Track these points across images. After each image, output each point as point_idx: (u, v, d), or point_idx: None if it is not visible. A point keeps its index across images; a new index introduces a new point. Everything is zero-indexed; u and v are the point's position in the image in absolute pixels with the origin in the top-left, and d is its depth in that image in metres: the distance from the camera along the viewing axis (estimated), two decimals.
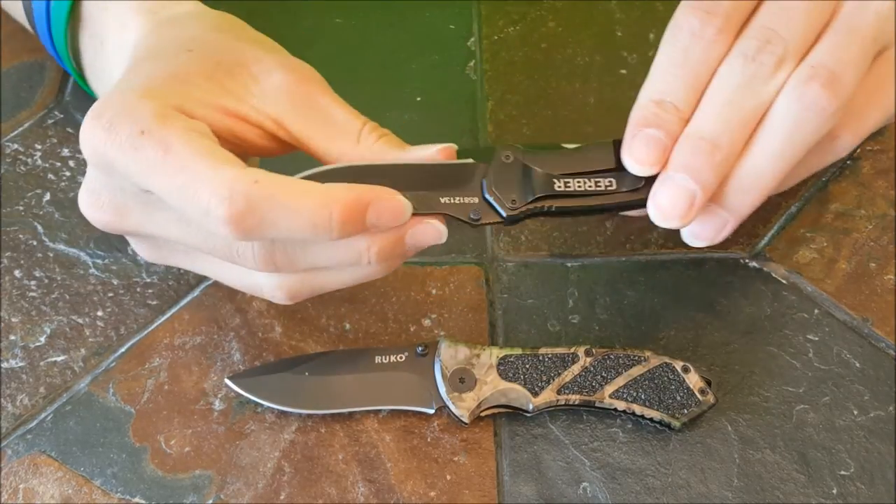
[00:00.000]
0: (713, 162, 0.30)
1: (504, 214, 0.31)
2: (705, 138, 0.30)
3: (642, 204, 0.32)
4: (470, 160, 0.32)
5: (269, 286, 0.32)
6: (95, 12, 0.36)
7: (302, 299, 0.33)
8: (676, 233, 0.41)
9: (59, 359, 0.37)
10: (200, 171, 0.27)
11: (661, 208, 0.31)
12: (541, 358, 0.34)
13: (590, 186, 0.32)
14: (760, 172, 0.31)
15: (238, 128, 0.31)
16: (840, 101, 0.30)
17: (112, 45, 0.36)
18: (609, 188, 0.32)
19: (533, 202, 0.32)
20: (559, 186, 0.32)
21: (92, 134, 0.28)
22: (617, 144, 0.32)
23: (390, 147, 0.32)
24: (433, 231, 0.31)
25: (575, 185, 0.32)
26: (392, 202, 0.29)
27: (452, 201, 0.31)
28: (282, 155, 0.34)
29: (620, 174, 0.32)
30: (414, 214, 0.30)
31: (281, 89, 0.31)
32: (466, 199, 0.32)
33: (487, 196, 0.32)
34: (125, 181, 0.29)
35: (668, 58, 0.31)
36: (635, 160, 0.31)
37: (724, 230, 0.32)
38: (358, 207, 0.28)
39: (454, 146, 0.32)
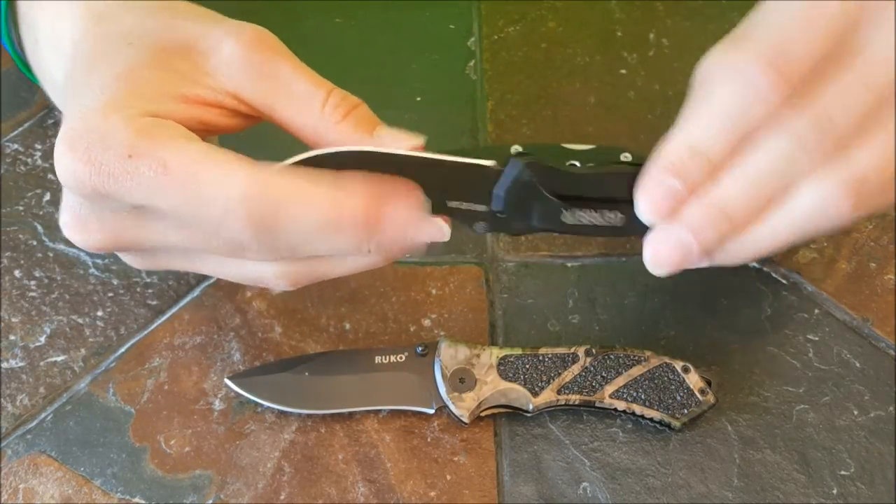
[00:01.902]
0: (722, 231, 0.29)
1: (511, 233, 0.31)
2: (724, 210, 0.29)
3: (638, 234, 0.31)
4: (486, 162, 0.30)
5: (271, 276, 0.31)
6: (26, 7, 0.35)
7: (305, 285, 0.32)
8: None
9: (58, 359, 0.37)
10: (209, 180, 0.26)
11: (657, 256, 0.30)
12: (541, 358, 0.34)
13: (597, 221, 0.31)
14: (758, 245, 0.30)
15: (199, 112, 0.30)
16: (863, 212, 0.29)
17: (45, 38, 0.34)
18: (615, 224, 0.31)
19: (539, 229, 0.31)
20: (567, 220, 0.31)
21: (72, 167, 0.27)
22: (632, 177, 0.30)
23: (356, 127, 0.30)
24: (437, 231, 0.30)
25: (584, 217, 0.31)
26: (410, 211, 0.29)
27: (460, 207, 0.30)
28: (248, 128, 0.32)
29: (629, 209, 0.30)
30: None
31: (233, 61, 0.30)
32: (475, 207, 0.31)
33: (496, 210, 0.30)
34: (117, 203, 0.28)
35: (720, 108, 0.28)
36: (649, 211, 0.30)
37: (688, 265, 0.31)
38: (373, 214, 0.28)
39: (421, 142, 0.30)
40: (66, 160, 0.27)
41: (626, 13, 0.50)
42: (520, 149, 0.30)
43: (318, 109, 0.30)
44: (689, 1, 0.50)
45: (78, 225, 0.31)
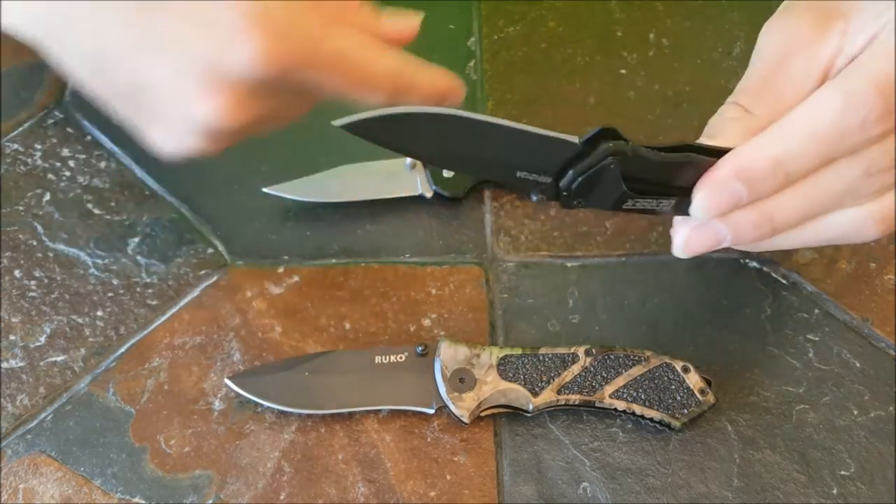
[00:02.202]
0: (762, 235, 0.30)
1: (563, 205, 0.29)
2: (773, 220, 0.29)
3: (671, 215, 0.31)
4: (570, 138, 0.28)
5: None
6: None
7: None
8: None
9: (58, 359, 0.37)
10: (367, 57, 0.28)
11: (690, 244, 0.31)
12: (541, 358, 0.34)
13: (651, 206, 0.30)
14: (782, 244, 0.31)
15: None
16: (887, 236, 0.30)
17: None
18: (663, 208, 0.31)
19: (593, 206, 0.30)
20: (627, 206, 0.30)
21: (255, 55, 0.26)
22: (703, 168, 0.29)
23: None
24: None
25: (642, 204, 0.30)
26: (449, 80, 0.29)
27: (527, 177, 0.29)
28: None
29: (685, 197, 0.30)
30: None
31: None
32: (540, 179, 0.29)
33: (563, 186, 0.29)
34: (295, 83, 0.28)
35: (823, 126, 0.27)
36: (706, 209, 0.29)
37: (714, 248, 0.31)
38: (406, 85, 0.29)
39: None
40: (253, 52, 0.26)
41: (626, 13, 0.50)
42: (598, 129, 0.29)
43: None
44: (689, 1, 0.50)
45: (238, 105, 0.28)
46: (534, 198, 0.30)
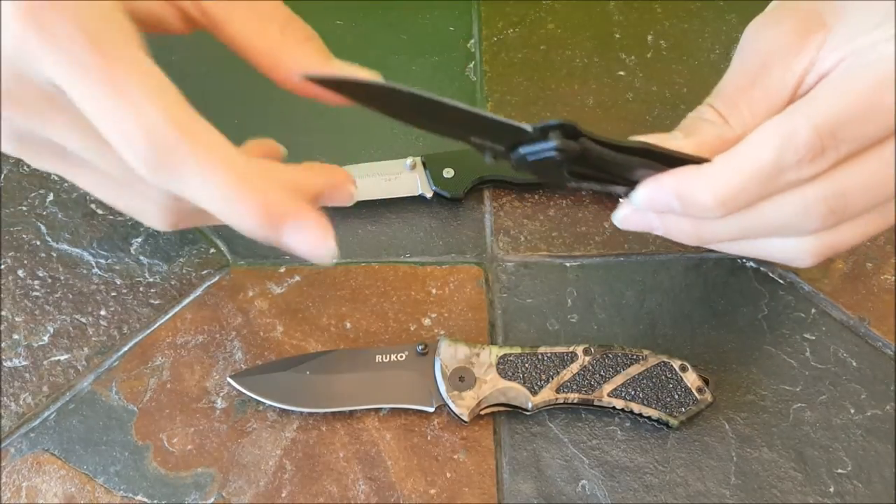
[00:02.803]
0: (689, 241, 0.32)
1: (514, 168, 0.30)
2: (702, 237, 0.32)
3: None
4: (524, 126, 0.28)
5: (153, 215, 0.30)
6: None
7: (183, 227, 0.31)
8: None
9: (62, 358, 0.37)
10: (133, 93, 0.25)
11: (625, 222, 0.32)
12: (540, 357, 0.35)
13: (597, 188, 0.32)
14: (721, 248, 0.33)
15: (152, 4, 0.28)
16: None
17: None
18: (616, 192, 0.32)
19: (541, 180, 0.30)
20: (570, 185, 0.31)
21: (23, 12, 0.24)
22: (653, 171, 0.30)
23: (317, 52, 0.29)
24: (325, 253, 0.28)
25: (586, 186, 0.31)
26: (315, 235, 0.27)
27: (481, 143, 0.29)
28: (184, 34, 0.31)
29: (632, 186, 0.31)
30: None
31: None
32: (495, 147, 0.29)
33: (514, 158, 0.29)
34: (38, 73, 0.26)
35: (761, 165, 0.28)
36: (643, 206, 0.31)
37: (645, 228, 0.32)
38: (279, 219, 0.26)
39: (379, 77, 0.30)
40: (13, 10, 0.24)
41: (624, 15, 0.50)
42: (554, 122, 0.29)
43: (277, 30, 0.29)
44: (687, 2, 0.50)
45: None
46: (487, 159, 0.30)
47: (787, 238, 0.31)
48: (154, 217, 0.30)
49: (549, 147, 0.28)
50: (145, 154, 0.25)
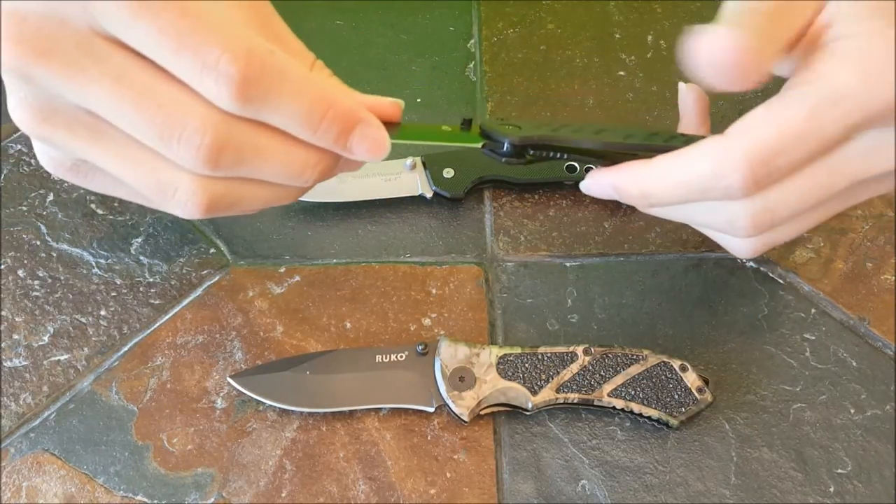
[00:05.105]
0: (642, 208, 0.34)
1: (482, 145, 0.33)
2: (650, 209, 0.33)
3: None
4: (473, 145, 0.33)
5: (187, 188, 0.29)
6: None
7: (212, 214, 0.30)
8: (675, 233, 0.41)
9: (62, 358, 0.37)
10: (211, 22, 0.25)
11: (589, 190, 0.34)
12: (540, 357, 0.35)
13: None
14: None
15: None
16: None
17: None
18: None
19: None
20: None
21: None
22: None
23: (340, 83, 0.31)
24: (379, 150, 0.30)
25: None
26: (379, 133, 0.29)
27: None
28: None
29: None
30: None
31: (237, 2, 0.29)
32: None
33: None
34: (84, 15, 0.26)
35: (691, 180, 0.29)
36: (588, 190, 0.33)
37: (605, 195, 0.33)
38: (352, 119, 0.28)
39: (402, 102, 0.32)
40: None
41: (624, 15, 0.51)
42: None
43: (308, 64, 0.31)
44: (687, 2, 0.50)
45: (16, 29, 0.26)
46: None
47: (723, 234, 0.33)
48: (188, 190, 0.29)
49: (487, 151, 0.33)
50: (238, 75, 0.25)
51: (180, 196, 0.29)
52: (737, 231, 0.31)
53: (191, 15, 0.25)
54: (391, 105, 0.31)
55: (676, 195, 0.30)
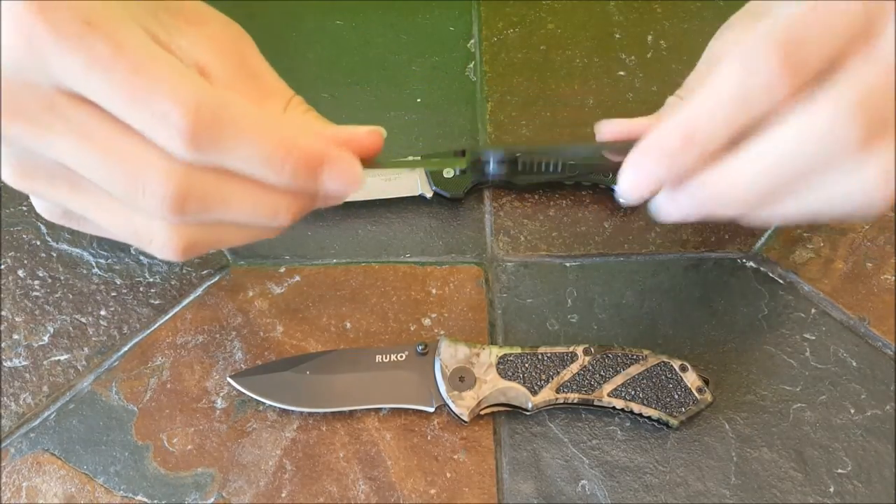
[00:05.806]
0: (706, 211, 0.29)
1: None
2: (720, 198, 0.29)
3: None
4: (459, 166, 0.34)
5: (162, 235, 0.29)
6: None
7: (193, 255, 0.30)
8: (675, 233, 0.41)
9: (62, 358, 0.37)
10: (161, 76, 0.25)
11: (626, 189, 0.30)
12: (540, 357, 0.35)
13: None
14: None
15: None
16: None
17: None
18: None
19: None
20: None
21: (23, 12, 0.24)
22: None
23: (317, 119, 0.31)
24: (353, 183, 0.29)
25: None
26: (350, 169, 0.28)
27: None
28: None
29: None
30: None
31: (213, 39, 0.30)
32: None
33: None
34: (45, 76, 0.26)
35: (723, 94, 0.27)
36: (629, 192, 0.29)
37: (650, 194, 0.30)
38: (316, 160, 0.28)
39: (382, 130, 0.31)
40: (20, 10, 0.24)
41: (624, 15, 0.50)
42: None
43: (283, 102, 0.30)
44: (687, 2, 0.50)
45: None
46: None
47: (837, 184, 0.27)
48: (163, 237, 0.29)
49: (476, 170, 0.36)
50: (187, 126, 0.25)
51: (157, 243, 0.29)
52: (873, 202, 0.27)
53: (142, 70, 0.25)
54: (368, 134, 0.30)
55: (722, 115, 0.27)
